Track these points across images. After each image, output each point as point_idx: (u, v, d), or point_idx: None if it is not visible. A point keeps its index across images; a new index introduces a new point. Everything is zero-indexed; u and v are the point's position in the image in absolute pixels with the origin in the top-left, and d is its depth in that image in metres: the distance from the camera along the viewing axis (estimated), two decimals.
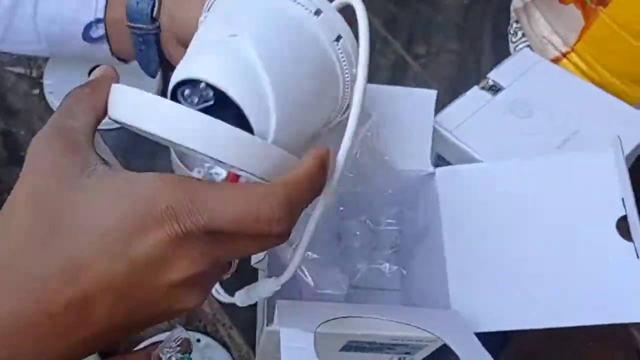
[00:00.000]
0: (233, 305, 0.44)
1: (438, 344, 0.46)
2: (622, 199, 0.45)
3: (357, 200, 0.54)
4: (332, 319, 0.41)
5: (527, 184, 0.51)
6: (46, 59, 0.70)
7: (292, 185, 0.29)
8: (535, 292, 0.47)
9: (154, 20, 0.50)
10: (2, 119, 0.68)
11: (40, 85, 0.69)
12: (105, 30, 0.52)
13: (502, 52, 0.76)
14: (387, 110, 0.52)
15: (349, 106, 0.36)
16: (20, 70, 0.70)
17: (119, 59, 0.55)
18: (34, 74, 0.70)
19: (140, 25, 0.50)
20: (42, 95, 0.69)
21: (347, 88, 0.37)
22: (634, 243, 0.43)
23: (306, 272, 0.48)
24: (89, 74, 0.56)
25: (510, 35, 0.78)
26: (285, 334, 0.39)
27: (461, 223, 0.52)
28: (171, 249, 0.27)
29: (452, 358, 0.40)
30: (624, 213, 0.45)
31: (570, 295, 0.46)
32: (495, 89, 0.60)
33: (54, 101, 0.68)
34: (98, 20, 0.52)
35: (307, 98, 0.34)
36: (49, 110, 0.67)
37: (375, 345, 0.48)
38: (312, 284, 0.47)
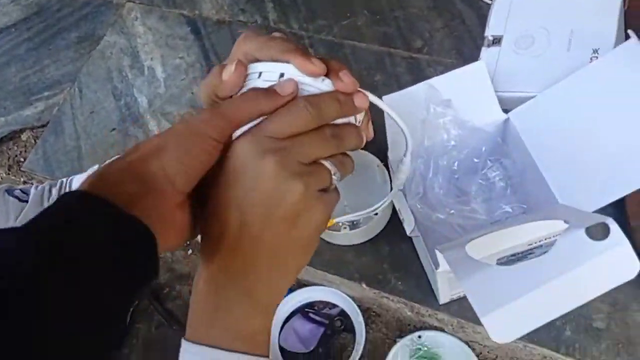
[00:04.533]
0: None
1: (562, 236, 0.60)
2: None
3: (464, 164, 0.70)
4: (478, 235, 0.56)
5: (582, 96, 0.65)
6: None
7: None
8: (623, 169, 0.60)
9: None
10: None
11: None
12: None
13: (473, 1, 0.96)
14: (452, 90, 0.69)
15: None
16: None
17: None
18: None
19: None
20: None
21: None
22: None
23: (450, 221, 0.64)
24: None
25: None
26: (446, 256, 0.55)
27: (547, 145, 0.66)
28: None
29: None
30: None
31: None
32: (497, 40, 0.77)
33: None
34: None
35: None
36: None
37: (518, 254, 0.62)
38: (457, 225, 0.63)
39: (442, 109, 0.68)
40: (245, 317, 0.39)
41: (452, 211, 0.65)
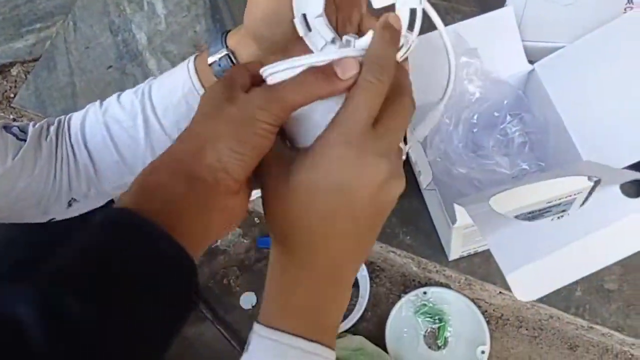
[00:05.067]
0: None
1: (584, 195, 0.57)
2: None
3: (483, 117, 0.67)
4: (503, 189, 0.53)
5: (614, 49, 0.62)
6: None
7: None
8: None
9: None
10: None
11: None
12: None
13: None
14: (477, 37, 0.65)
15: None
16: None
17: None
18: None
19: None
20: None
21: None
22: None
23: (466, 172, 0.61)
24: None
25: None
26: (469, 209, 0.52)
27: (573, 100, 0.63)
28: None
29: None
30: None
31: None
32: None
33: None
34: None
35: None
36: None
37: (536, 211, 0.60)
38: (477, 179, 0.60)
39: (468, 59, 0.64)
40: (326, 306, 0.40)
41: (473, 165, 0.62)
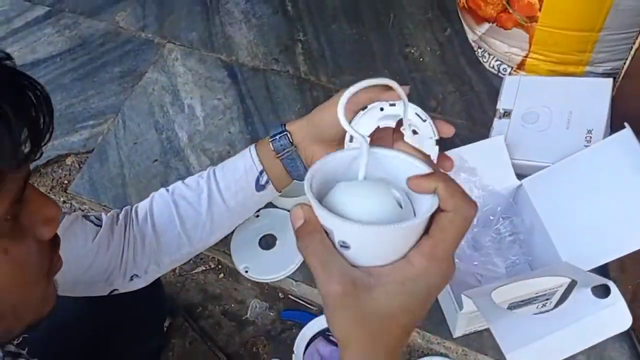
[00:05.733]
0: None
1: (563, 288, 0.74)
2: None
3: (481, 219, 0.84)
4: (501, 285, 0.69)
5: (585, 171, 0.80)
6: None
7: None
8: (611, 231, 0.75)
9: (291, 142, 0.69)
10: None
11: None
12: (267, 173, 0.72)
13: (480, 70, 1.12)
14: (476, 158, 0.83)
15: None
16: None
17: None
18: None
19: (286, 150, 0.69)
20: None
21: None
22: None
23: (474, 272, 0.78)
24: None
25: (480, 58, 1.13)
26: (475, 301, 0.68)
27: (554, 210, 0.81)
28: None
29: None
30: None
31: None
32: (507, 113, 0.91)
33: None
34: (261, 172, 0.72)
35: None
36: None
37: (526, 300, 0.76)
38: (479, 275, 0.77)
39: (468, 176, 0.82)
40: None
41: (476, 263, 0.79)
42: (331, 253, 0.42)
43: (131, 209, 0.76)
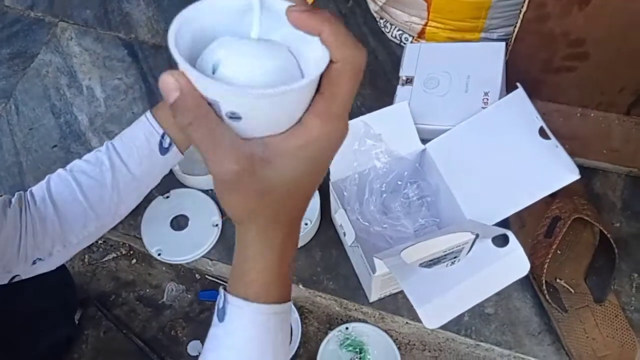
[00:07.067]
0: None
1: (469, 245, 0.77)
2: (536, 117, 0.77)
3: (389, 185, 0.86)
4: (410, 245, 0.72)
5: (483, 132, 0.83)
6: None
7: None
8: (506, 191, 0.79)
9: None
10: None
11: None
12: (168, 136, 0.72)
13: (383, 40, 1.14)
14: (381, 124, 0.84)
15: None
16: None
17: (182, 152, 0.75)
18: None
19: None
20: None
21: None
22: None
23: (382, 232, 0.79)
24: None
25: (383, 29, 1.16)
26: (386, 261, 0.70)
27: (456, 170, 0.84)
28: None
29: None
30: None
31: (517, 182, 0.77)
32: (410, 80, 0.94)
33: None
34: (163, 135, 0.72)
35: None
36: None
37: (435, 259, 0.79)
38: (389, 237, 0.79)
39: (374, 142, 0.83)
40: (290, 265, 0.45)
41: (385, 225, 0.81)
42: (221, 127, 0.37)
43: (25, 193, 0.72)
